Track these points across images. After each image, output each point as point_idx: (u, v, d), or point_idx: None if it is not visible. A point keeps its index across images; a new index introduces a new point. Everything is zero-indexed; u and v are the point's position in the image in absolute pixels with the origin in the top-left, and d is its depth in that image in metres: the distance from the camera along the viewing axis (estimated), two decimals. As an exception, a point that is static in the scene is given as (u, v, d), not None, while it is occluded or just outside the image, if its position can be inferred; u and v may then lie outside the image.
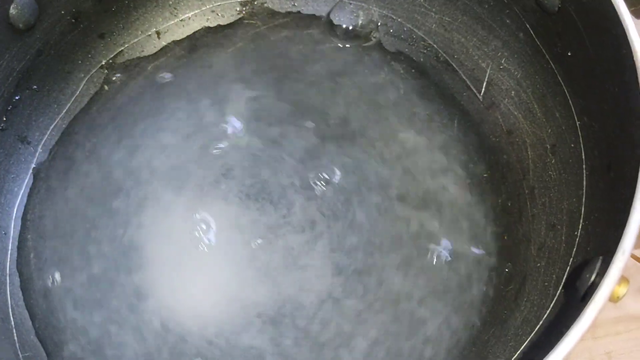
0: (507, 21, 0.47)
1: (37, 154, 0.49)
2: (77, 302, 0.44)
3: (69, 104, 0.50)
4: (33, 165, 0.49)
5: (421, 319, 0.43)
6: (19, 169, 0.48)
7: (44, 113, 0.49)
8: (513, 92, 0.48)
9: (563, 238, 0.40)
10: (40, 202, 0.47)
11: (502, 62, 0.49)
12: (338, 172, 0.47)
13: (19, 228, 0.47)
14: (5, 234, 0.46)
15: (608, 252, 0.31)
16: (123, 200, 0.47)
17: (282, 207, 0.46)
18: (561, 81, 0.43)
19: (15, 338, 0.43)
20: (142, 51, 0.53)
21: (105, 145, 0.49)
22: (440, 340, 0.42)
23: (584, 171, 0.40)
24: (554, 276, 0.39)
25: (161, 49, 0.53)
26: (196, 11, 0.54)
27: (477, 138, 0.49)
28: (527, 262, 0.43)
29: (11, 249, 0.46)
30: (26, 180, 0.48)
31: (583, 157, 0.41)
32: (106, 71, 0.52)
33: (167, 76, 0.51)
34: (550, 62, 0.44)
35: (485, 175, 0.47)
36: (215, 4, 0.54)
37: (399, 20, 0.53)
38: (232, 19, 0.54)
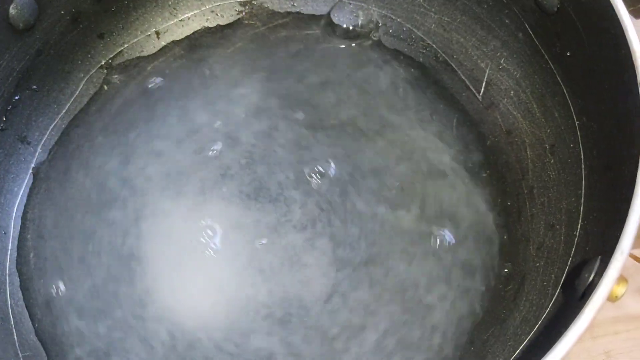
0: (506, 21, 0.47)
1: (36, 154, 0.49)
2: (81, 311, 0.44)
3: (68, 104, 0.50)
4: (33, 165, 0.49)
5: (429, 305, 0.43)
6: (19, 169, 0.48)
7: (44, 113, 0.49)
8: (512, 92, 0.48)
9: (562, 238, 0.40)
10: (40, 202, 0.47)
11: (501, 62, 0.49)
12: (332, 163, 0.47)
13: (18, 228, 0.47)
14: (5, 233, 0.46)
15: (606, 251, 0.31)
16: (120, 207, 0.47)
17: (281, 205, 0.46)
18: (560, 81, 0.43)
19: (15, 337, 0.43)
20: (142, 51, 0.53)
21: (103, 147, 0.49)
22: (449, 325, 0.42)
23: (583, 171, 0.40)
24: (552, 276, 0.39)
25: (160, 49, 0.53)
26: (195, 11, 0.54)
27: (476, 138, 0.49)
28: (526, 262, 0.43)
29: (11, 249, 0.46)
30: (26, 180, 0.48)
31: (582, 157, 0.41)
32: (105, 71, 0.52)
33: (157, 80, 0.51)
34: (549, 62, 0.44)
35: (484, 175, 0.48)
36: (214, 4, 0.54)
37: (398, 20, 0.53)
38: (231, 19, 0.54)
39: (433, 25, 0.52)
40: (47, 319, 0.44)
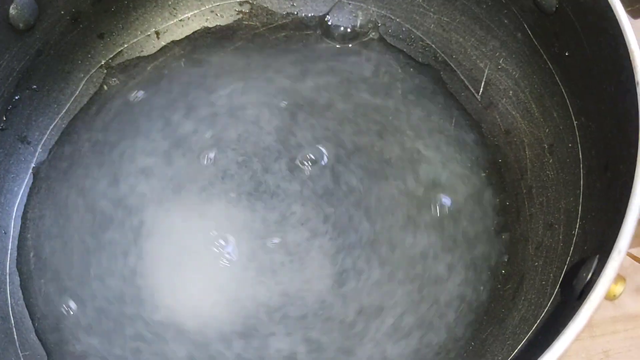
0: (505, 21, 0.47)
1: (36, 154, 0.49)
2: (90, 329, 0.43)
3: (68, 104, 0.51)
4: (33, 165, 0.49)
5: (440, 278, 0.43)
6: (19, 169, 0.48)
7: (44, 113, 0.49)
8: (511, 92, 0.48)
9: (560, 237, 0.40)
10: (40, 201, 0.48)
11: (500, 62, 0.49)
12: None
13: (19, 227, 0.47)
14: (5, 233, 0.46)
15: (604, 251, 0.31)
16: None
17: (281, 200, 0.46)
18: (559, 81, 0.44)
19: (15, 337, 0.43)
20: (142, 51, 0.53)
21: (103, 147, 0.49)
22: (464, 297, 0.43)
23: (581, 171, 0.40)
24: (551, 275, 0.39)
25: (160, 49, 0.53)
26: (195, 11, 0.54)
27: (475, 138, 0.49)
28: (524, 261, 0.43)
29: (11, 248, 0.46)
30: (26, 180, 0.48)
31: (580, 156, 0.41)
32: (105, 71, 0.52)
33: (157, 80, 0.51)
34: (548, 62, 0.44)
35: (483, 174, 0.48)
36: (214, 5, 0.54)
37: (397, 20, 0.53)
38: (231, 20, 0.54)
39: (432, 25, 0.52)
40: (47, 319, 0.44)
